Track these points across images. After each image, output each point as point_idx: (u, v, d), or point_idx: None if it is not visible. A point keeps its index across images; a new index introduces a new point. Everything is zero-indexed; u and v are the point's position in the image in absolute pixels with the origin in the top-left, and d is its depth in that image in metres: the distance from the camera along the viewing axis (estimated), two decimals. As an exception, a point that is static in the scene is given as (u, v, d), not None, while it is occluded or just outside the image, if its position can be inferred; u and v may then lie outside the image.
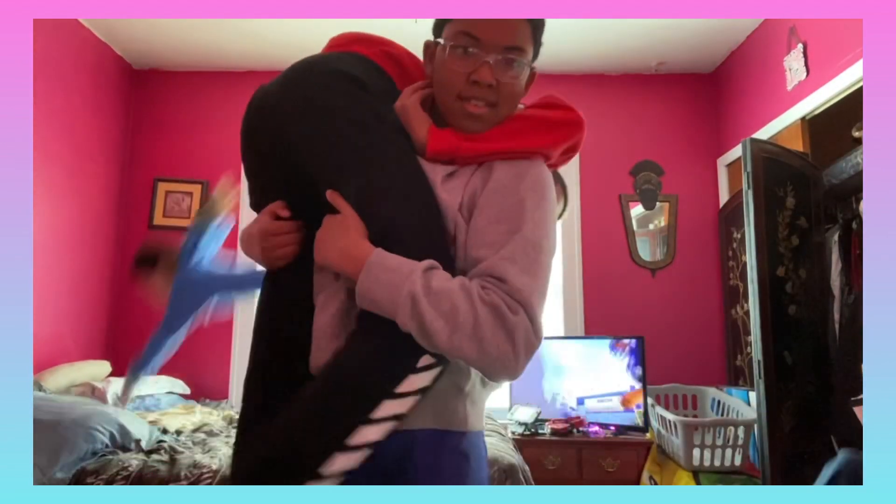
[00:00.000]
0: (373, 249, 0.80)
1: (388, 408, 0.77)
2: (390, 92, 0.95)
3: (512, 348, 0.75)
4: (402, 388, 0.78)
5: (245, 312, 3.42)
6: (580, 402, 2.95)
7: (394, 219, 0.83)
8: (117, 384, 2.67)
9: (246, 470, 0.82)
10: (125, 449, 2.12)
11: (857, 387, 1.96)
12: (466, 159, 0.89)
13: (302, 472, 0.76)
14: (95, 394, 2.57)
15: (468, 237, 0.84)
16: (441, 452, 0.86)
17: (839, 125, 2.50)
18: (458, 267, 0.84)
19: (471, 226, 0.85)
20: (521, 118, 0.92)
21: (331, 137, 0.86)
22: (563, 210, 1.38)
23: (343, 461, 0.76)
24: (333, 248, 0.83)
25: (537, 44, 0.93)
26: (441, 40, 0.91)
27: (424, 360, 0.79)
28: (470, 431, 0.90)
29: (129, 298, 3.43)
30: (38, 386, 2.45)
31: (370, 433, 0.77)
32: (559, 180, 1.33)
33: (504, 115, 0.90)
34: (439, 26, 0.93)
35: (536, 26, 0.91)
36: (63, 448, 1.94)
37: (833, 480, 1.75)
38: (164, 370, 3.06)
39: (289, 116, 0.88)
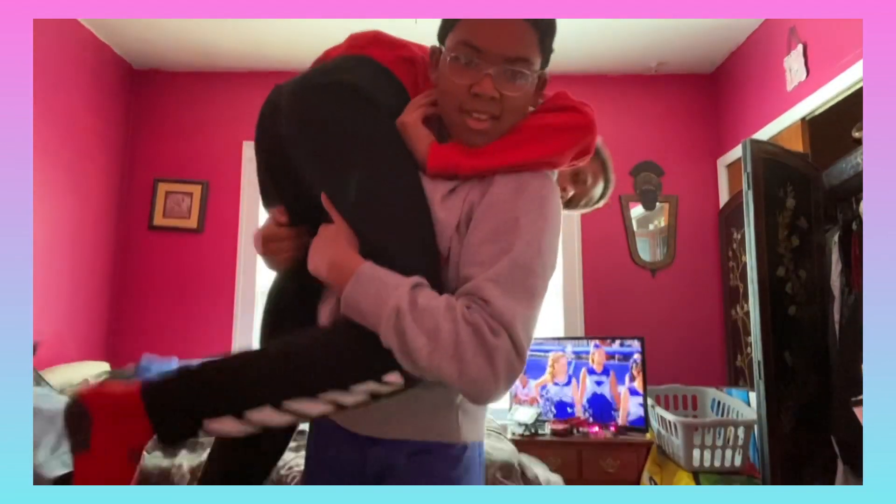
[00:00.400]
0: (361, 261, 0.80)
1: (333, 395, 0.77)
2: (399, 103, 0.93)
3: (492, 371, 0.73)
4: (357, 388, 0.78)
5: (245, 312, 3.42)
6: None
7: (381, 234, 0.83)
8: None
9: (172, 376, 0.81)
10: None
11: (857, 387, 1.96)
12: (468, 176, 0.87)
13: (229, 404, 0.76)
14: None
15: (462, 252, 0.83)
16: (432, 464, 0.86)
17: (839, 126, 2.50)
18: (451, 285, 0.83)
19: (465, 241, 0.83)
20: (525, 128, 0.88)
21: (327, 151, 0.86)
22: (605, 191, 1.31)
23: (269, 416, 0.77)
24: (323, 258, 0.83)
25: (546, 50, 0.90)
26: (444, 49, 0.88)
27: (391, 377, 0.78)
28: (464, 443, 0.89)
29: (129, 299, 3.44)
30: (40, 380, 2.45)
31: (306, 406, 0.77)
32: (600, 156, 1.26)
33: (507, 127, 0.87)
34: (443, 33, 0.90)
35: (544, 33, 0.88)
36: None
37: None
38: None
39: (291, 127, 0.89)
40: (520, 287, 0.77)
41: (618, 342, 2.98)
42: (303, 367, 0.79)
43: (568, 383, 3.02)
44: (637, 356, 2.91)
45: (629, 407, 2.87)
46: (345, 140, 0.85)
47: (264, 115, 0.95)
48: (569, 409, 2.98)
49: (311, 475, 0.96)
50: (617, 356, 2.96)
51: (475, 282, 0.77)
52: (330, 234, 0.84)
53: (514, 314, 0.75)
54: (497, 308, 0.75)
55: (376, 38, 0.99)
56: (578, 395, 2.99)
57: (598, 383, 2.96)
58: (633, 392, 2.87)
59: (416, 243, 0.83)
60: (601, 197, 1.33)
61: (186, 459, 2.02)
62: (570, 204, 1.32)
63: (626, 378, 2.90)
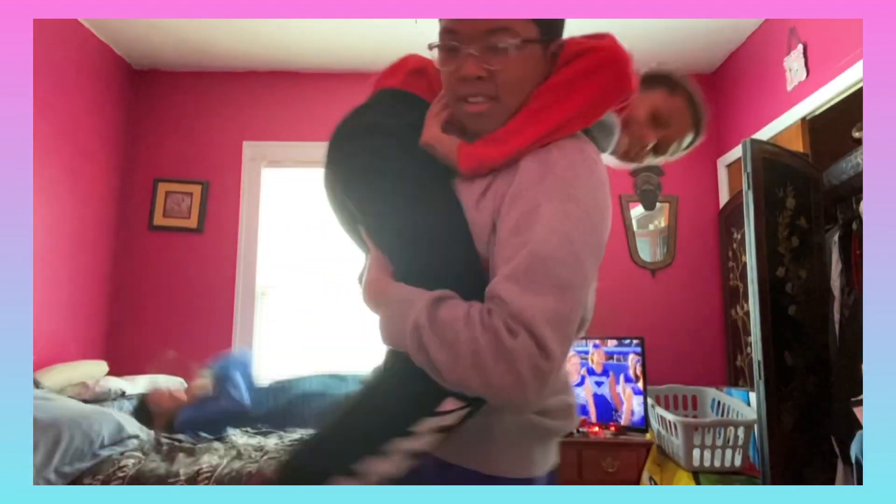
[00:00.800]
0: (391, 284, 0.80)
1: (406, 443, 0.76)
2: (422, 116, 0.92)
3: (515, 377, 0.67)
4: (417, 428, 0.76)
5: (245, 312, 3.42)
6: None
7: (407, 255, 0.82)
8: (113, 382, 2.69)
9: (276, 472, 0.86)
10: (123, 446, 2.12)
11: (857, 387, 1.96)
12: (503, 166, 0.81)
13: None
14: (89, 392, 2.57)
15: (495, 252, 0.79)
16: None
17: (839, 126, 2.50)
18: None
19: (496, 238, 0.78)
20: (541, 93, 0.82)
21: (359, 192, 0.87)
22: (698, 130, 1.14)
23: (344, 483, 0.77)
24: (366, 288, 0.84)
25: (554, 21, 0.83)
26: None
27: (448, 405, 0.76)
28: (502, 476, 0.82)
29: (129, 299, 3.44)
30: (36, 384, 2.46)
31: (378, 464, 0.76)
32: (682, 89, 1.12)
33: (513, 103, 0.82)
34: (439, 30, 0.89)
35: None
36: (59, 447, 1.94)
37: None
38: (165, 369, 3.07)
39: (335, 176, 0.92)
40: (542, 281, 0.71)
41: (616, 342, 2.98)
42: (358, 428, 0.79)
43: (581, 383, 3.01)
44: (635, 356, 2.91)
45: (633, 407, 2.87)
46: (369, 178, 0.86)
47: (325, 159, 0.98)
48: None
49: None
50: (615, 356, 2.96)
51: (494, 281, 0.73)
52: (369, 265, 0.86)
53: (535, 311, 0.69)
54: (515, 307, 0.69)
55: (388, 72, 1.00)
56: (588, 395, 2.99)
57: (598, 384, 2.96)
58: (635, 392, 2.87)
59: (439, 256, 0.80)
60: (695, 137, 1.15)
61: (184, 466, 2.01)
62: (658, 151, 1.14)
63: (622, 378, 2.90)
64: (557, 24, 0.85)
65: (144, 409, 2.60)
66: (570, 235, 0.74)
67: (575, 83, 0.81)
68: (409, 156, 0.86)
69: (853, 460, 1.81)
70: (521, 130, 0.80)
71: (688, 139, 1.14)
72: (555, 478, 0.92)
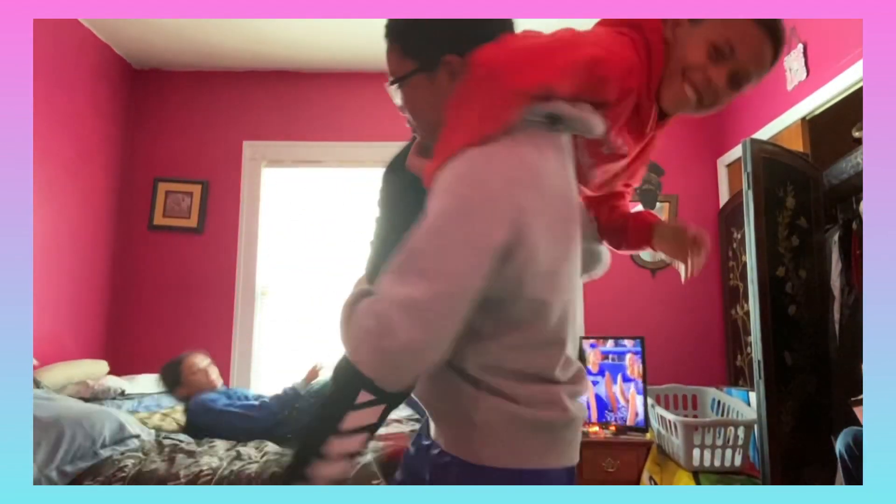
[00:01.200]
0: (362, 284, 0.90)
1: (337, 445, 0.83)
2: None
3: (358, 355, 0.78)
4: (345, 426, 0.83)
5: (245, 312, 3.42)
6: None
7: (372, 260, 0.94)
8: (112, 381, 2.69)
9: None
10: (124, 446, 2.12)
11: (857, 387, 1.96)
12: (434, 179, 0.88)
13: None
14: (88, 391, 2.58)
15: None
16: (449, 476, 0.86)
17: (839, 125, 2.50)
18: None
19: None
20: (447, 109, 0.86)
21: (379, 220, 0.99)
22: (777, 49, 0.96)
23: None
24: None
25: (417, 50, 0.90)
26: None
27: (362, 397, 0.82)
28: (486, 465, 0.83)
29: (129, 299, 3.44)
30: (36, 383, 2.46)
31: (322, 468, 0.83)
32: (776, 46, 0.95)
33: (425, 127, 0.93)
34: None
35: (398, 38, 0.94)
36: (61, 446, 1.95)
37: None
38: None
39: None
40: (407, 271, 0.77)
41: (613, 342, 2.98)
42: (308, 429, 0.87)
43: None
44: (633, 356, 2.90)
45: (636, 407, 2.87)
46: (384, 215, 0.98)
47: None
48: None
49: (401, 467, 1.05)
50: (611, 356, 2.96)
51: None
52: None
53: (391, 298, 0.76)
54: (378, 294, 0.79)
55: None
56: (589, 395, 2.99)
57: (594, 383, 2.96)
58: (638, 391, 2.87)
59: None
60: (776, 52, 0.95)
61: (184, 467, 2.01)
62: (737, 84, 0.94)
63: (620, 377, 2.90)
64: (437, 48, 0.88)
65: (174, 371, 2.59)
66: (440, 228, 0.77)
67: (460, 99, 0.85)
68: (404, 186, 0.94)
69: (837, 455, 1.82)
70: (441, 148, 0.84)
71: (767, 59, 0.95)
72: (572, 475, 0.91)
